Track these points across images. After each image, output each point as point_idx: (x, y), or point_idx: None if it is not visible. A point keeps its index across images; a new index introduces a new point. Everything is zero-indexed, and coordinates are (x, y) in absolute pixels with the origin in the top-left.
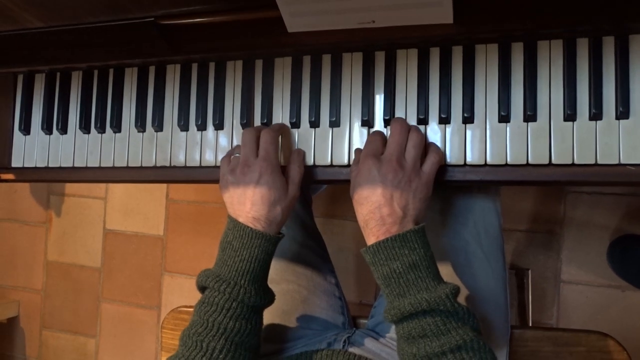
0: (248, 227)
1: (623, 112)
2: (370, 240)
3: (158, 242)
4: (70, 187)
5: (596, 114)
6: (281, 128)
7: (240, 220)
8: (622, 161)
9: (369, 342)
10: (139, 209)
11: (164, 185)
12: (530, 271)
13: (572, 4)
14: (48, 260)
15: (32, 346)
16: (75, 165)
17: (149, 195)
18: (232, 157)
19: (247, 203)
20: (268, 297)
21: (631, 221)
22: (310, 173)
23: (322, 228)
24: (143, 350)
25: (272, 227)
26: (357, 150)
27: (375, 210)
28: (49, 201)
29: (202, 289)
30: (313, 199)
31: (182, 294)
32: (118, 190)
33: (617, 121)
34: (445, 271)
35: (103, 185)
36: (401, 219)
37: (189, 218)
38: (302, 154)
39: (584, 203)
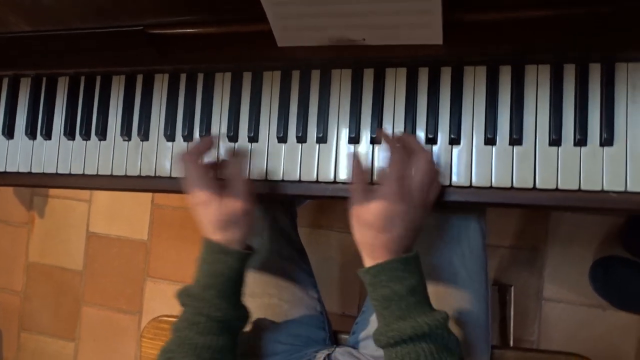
0: (212, 242)
1: (607, 139)
2: (367, 261)
3: (142, 246)
4: (54, 189)
5: (581, 140)
6: (198, 147)
7: (211, 237)
8: (605, 188)
9: None
10: (123, 213)
11: None
12: (512, 288)
13: (560, 32)
14: (29, 261)
15: (10, 348)
16: (59, 171)
17: (134, 200)
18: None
19: (204, 227)
20: (239, 314)
21: (614, 242)
22: (296, 188)
23: (308, 238)
24: (122, 355)
25: (233, 244)
26: (356, 169)
27: (379, 235)
28: (32, 202)
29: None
30: (299, 210)
31: (164, 300)
32: (103, 193)
33: (601, 148)
34: (429, 290)
35: None
36: (405, 246)
37: (174, 223)
38: (237, 165)
39: (568, 221)
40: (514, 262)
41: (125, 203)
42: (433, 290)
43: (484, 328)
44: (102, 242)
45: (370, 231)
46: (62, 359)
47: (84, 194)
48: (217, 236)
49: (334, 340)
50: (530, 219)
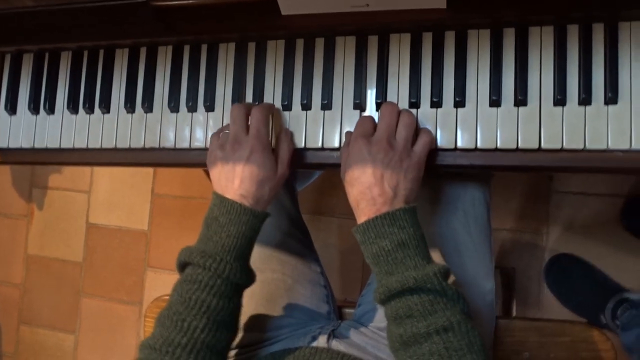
0: (236, 202)
1: (611, 98)
2: (361, 220)
3: (142, 236)
4: (53, 180)
5: (585, 99)
6: (271, 107)
7: (228, 196)
8: (610, 147)
9: (354, 335)
10: (123, 203)
11: (150, 179)
12: (515, 270)
13: None
14: (28, 254)
15: (9, 342)
16: (62, 146)
17: (133, 190)
18: (221, 133)
19: (236, 180)
20: (251, 277)
21: (614, 223)
22: (301, 156)
23: (309, 225)
24: (123, 346)
25: (259, 205)
26: (348, 133)
27: (366, 191)
28: (31, 194)
29: (182, 266)
30: (299, 193)
31: (164, 290)
32: (102, 183)
33: (605, 106)
34: (434, 259)
35: (87, 178)
36: (392, 199)
37: (174, 213)
38: (289, 134)
39: (569, 203)
40: (516, 245)
41: (125, 193)
42: (438, 258)
43: (489, 297)
44: (101, 233)
45: (357, 187)
46: (62, 352)
47: (84, 184)
48: (250, 188)
49: (339, 315)
50: (531, 202)
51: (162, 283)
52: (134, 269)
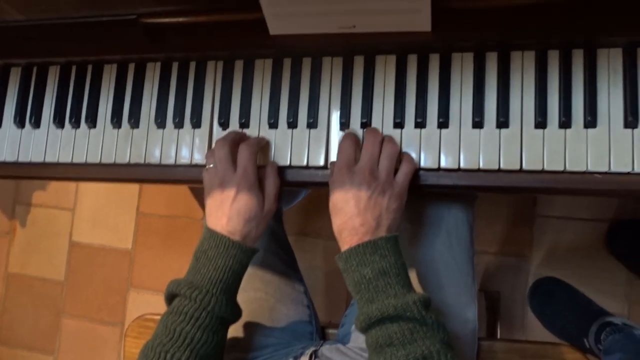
0: (225, 237)
1: (590, 121)
2: (344, 248)
3: (126, 256)
4: (37, 197)
5: (565, 122)
6: (260, 142)
7: (217, 230)
8: (590, 169)
9: (336, 355)
10: (107, 222)
11: (135, 198)
12: (499, 293)
13: (544, 19)
14: (9, 272)
15: None
16: (47, 160)
17: (118, 208)
18: (206, 167)
19: (224, 217)
20: (236, 312)
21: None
22: (286, 174)
23: (294, 245)
24: None
25: (247, 241)
26: (332, 164)
27: (349, 221)
28: (14, 211)
29: (170, 298)
30: (285, 213)
31: (147, 310)
32: (87, 201)
33: (585, 130)
34: (417, 280)
35: (72, 195)
36: (374, 229)
37: (159, 232)
38: (275, 167)
39: (552, 227)
40: (500, 268)
41: (109, 211)
42: (422, 278)
43: (471, 319)
44: (85, 251)
45: (340, 217)
46: None
47: (68, 202)
48: (237, 226)
49: (322, 335)
50: (515, 225)
51: (145, 303)
52: (116, 289)
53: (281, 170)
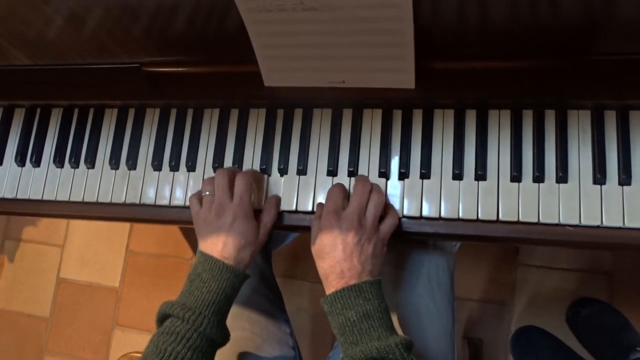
0: (219, 260)
1: (562, 177)
2: (330, 291)
3: (112, 293)
4: (27, 233)
5: (539, 177)
6: (255, 174)
7: (212, 255)
8: (562, 221)
9: None
10: (96, 259)
11: (125, 236)
12: (482, 341)
13: (519, 81)
14: None
15: None
16: (44, 198)
17: (108, 245)
18: (202, 194)
19: (219, 243)
20: (226, 335)
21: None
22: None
23: (281, 288)
24: None
25: (240, 267)
26: (320, 205)
27: (336, 265)
28: (4, 246)
29: (162, 320)
30: (274, 255)
31: (132, 349)
32: (77, 238)
33: (557, 185)
34: (398, 323)
35: (62, 232)
36: (360, 273)
37: (147, 271)
38: (278, 201)
39: (533, 276)
40: (482, 315)
41: (99, 249)
42: (402, 322)
43: None
44: (72, 288)
45: (327, 261)
46: None
47: (58, 238)
48: (231, 252)
49: None
50: (497, 273)
51: (129, 342)
52: (101, 327)
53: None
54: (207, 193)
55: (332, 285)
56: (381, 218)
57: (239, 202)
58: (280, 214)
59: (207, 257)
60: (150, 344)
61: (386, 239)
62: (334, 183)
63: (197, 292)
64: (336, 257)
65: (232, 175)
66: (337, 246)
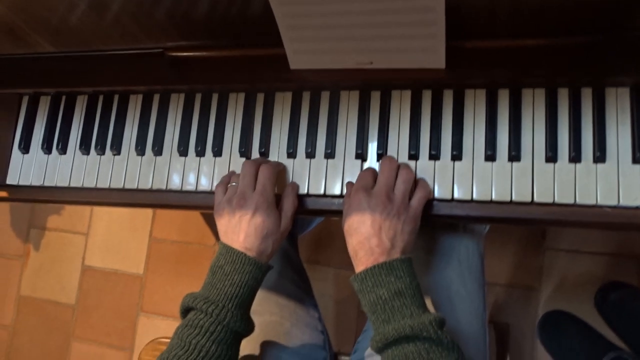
0: (242, 253)
1: (600, 157)
2: (359, 269)
3: (137, 280)
4: (52, 221)
5: (575, 157)
6: (279, 165)
7: (234, 246)
8: (599, 202)
9: None
10: (120, 247)
11: (148, 223)
12: (509, 326)
13: (553, 59)
14: (20, 295)
15: None
16: (71, 185)
17: (132, 233)
18: (228, 185)
19: (241, 233)
20: (250, 326)
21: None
22: (303, 202)
23: None
24: None
25: (263, 257)
26: (349, 184)
27: (365, 241)
28: (29, 235)
29: (185, 312)
30: (298, 240)
31: (156, 335)
32: (101, 226)
33: (594, 164)
34: (430, 307)
35: (86, 220)
36: (389, 250)
37: (171, 258)
38: (296, 188)
39: (561, 260)
40: (509, 300)
41: (122, 236)
42: (434, 307)
43: (482, 348)
44: (96, 275)
45: (355, 237)
46: None
47: (82, 226)
48: (253, 243)
49: None
50: (524, 258)
51: (154, 328)
52: (126, 314)
53: (299, 198)
54: (234, 184)
55: (361, 262)
56: (411, 196)
57: (262, 190)
58: (304, 199)
59: (228, 249)
60: (175, 336)
61: (418, 215)
62: (362, 166)
63: (219, 285)
64: (364, 233)
65: (258, 166)
66: (366, 222)
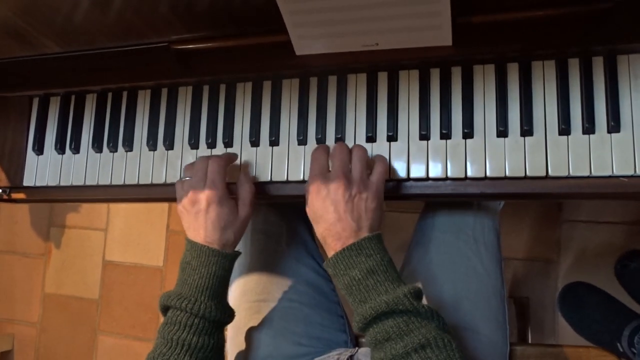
0: (205, 246)
1: (614, 127)
2: (330, 254)
3: (157, 273)
4: (71, 219)
5: (589, 128)
6: (230, 156)
7: (197, 241)
8: (615, 173)
9: None
10: (139, 240)
11: (165, 216)
12: (529, 299)
13: (562, 29)
14: (45, 292)
15: None
16: (87, 183)
17: (149, 227)
18: (184, 182)
19: (201, 230)
20: (228, 313)
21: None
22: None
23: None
24: None
25: (226, 247)
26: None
27: (331, 227)
28: (49, 233)
29: (164, 310)
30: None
31: None
32: (118, 221)
33: (609, 135)
34: (447, 286)
35: (104, 216)
36: (356, 231)
37: None
38: (248, 175)
39: (579, 232)
40: (528, 274)
41: (140, 230)
42: (451, 285)
43: (502, 323)
44: (118, 270)
45: (321, 224)
46: None
47: (100, 222)
48: (213, 236)
49: (356, 344)
50: (542, 231)
51: None
52: (149, 306)
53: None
54: (187, 178)
55: (331, 247)
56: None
57: (211, 184)
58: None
59: (193, 244)
60: (158, 336)
61: (381, 190)
62: (373, 149)
63: (189, 280)
64: (329, 219)
65: (207, 162)
66: (328, 208)
